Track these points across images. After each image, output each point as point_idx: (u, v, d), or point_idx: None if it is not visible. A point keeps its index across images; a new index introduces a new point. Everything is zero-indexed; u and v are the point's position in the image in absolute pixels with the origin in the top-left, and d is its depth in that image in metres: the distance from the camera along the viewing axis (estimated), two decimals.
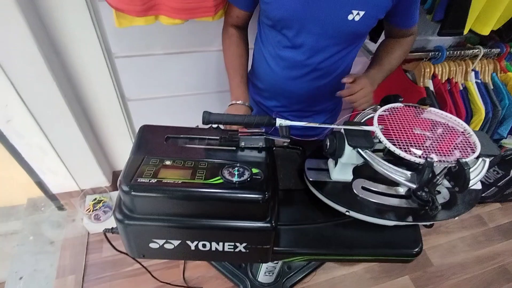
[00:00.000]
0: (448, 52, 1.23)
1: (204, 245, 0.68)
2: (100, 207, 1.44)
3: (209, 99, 1.39)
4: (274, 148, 0.74)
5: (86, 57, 1.09)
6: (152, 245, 0.67)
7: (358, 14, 0.75)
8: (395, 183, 0.76)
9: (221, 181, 0.61)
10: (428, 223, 0.76)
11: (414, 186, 0.61)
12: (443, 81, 1.29)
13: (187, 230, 0.64)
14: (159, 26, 0.93)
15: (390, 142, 0.64)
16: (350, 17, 0.75)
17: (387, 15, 0.82)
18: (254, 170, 0.64)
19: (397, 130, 0.68)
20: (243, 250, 0.70)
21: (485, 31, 1.12)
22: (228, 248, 0.69)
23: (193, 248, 0.68)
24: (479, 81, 1.31)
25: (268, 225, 0.64)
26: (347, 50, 0.85)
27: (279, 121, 0.66)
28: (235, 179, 0.61)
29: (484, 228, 1.89)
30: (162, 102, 1.28)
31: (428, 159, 0.58)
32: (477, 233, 1.86)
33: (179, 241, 0.66)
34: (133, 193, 0.57)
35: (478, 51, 1.26)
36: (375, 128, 0.67)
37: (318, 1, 0.74)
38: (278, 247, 0.74)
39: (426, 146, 0.65)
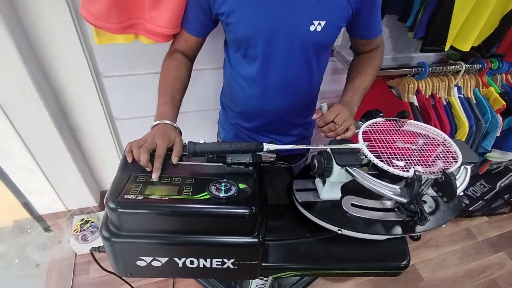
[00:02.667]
0: (430, 68, 1.29)
1: (192, 262, 0.68)
2: (88, 227, 1.42)
3: (196, 118, 1.42)
4: (261, 164, 0.75)
5: (74, 77, 1.12)
6: (139, 263, 0.67)
7: (319, 24, 0.77)
8: (381, 196, 0.79)
9: (208, 196, 0.62)
10: (416, 234, 0.78)
11: (404, 200, 0.62)
12: (427, 97, 1.34)
13: (175, 247, 0.65)
14: (144, 45, 0.96)
15: (376, 158, 0.66)
16: (312, 28, 0.77)
17: (350, 27, 0.86)
18: (241, 186, 0.66)
19: (381, 145, 0.70)
20: (231, 266, 0.70)
21: (466, 47, 1.18)
22: (216, 265, 0.69)
23: (180, 265, 0.68)
24: (462, 96, 1.36)
25: (256, 240, 0.65)
26: (316, 63, 0.87)
27: (266, 146, 0.68)
28: (221, 194, 0.63)
29: (473, 242, 1.91)
30: (149, 121, 1.29)
31: (417, 173, 0.60)
32: (466, 247, 1.88)
33: (167, 258, 0.67)
34: (119, 210, 0.58)
35: (460, 66, 1.32)
36: (361, 145, 0.69)
37: (279, 15, 0.75)
38: (266, 263, 0.75)
39: (411, 159, 0.68)
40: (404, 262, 0.79)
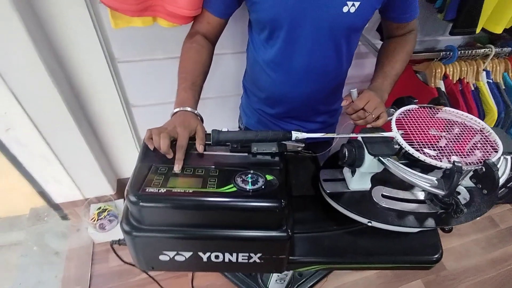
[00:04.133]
0: (459, 52, 1.20)
1: (217, 256, 0.65)
2: (105, 216, 1.41)
3: (216, 104, 1.37)
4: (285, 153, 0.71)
5: (88, 63, 1.07)
6: (162, 257, 0.64)
7: (353, 5, 0.70)
8: (412, 186, 0.74)
9: (234, 189, 0.58)
10: (449, 227, 0.73)
11: (442, 192, 0.57)
12: (455, 82, 1.26)
13: (199, 241, 0.62)
14: (162, 29, 0.91)
15: (412, 147, 0.60)
16: (345, 9, 0.71)
17: (385, 9, 0.79)
18: (268, 177, 0.62)
19: (415, 133, 0.65)
20: (257, 260, 0.66)
21: (498, 30, 1.10)
22: (242, 259, 0.66)
23: (205, 259, 0.65)
24: (490, 81, 1.28)
25: (284, 234, 0.61)
26: (344, 48, 0.81)
27: (295, 134, 0.63)
28: (248, 187, 0.58)
29: (496, 230, 1.86)
30: (168, 108, 1.24)
31: (456, 164, 0.55)
32: (490, 235, 1.83)
33: (191, 253, 0.64)
34: (141, 203, 0.54)
35: (489, 50, 1.23)
36: (395, 133, 0.64)
37: None
38: (293, 256, 0.71)
39: (447, 149, 0.62)
40: (436, 256, 0.75)
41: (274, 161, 0.67)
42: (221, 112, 1.40)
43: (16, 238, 1.73)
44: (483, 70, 1.27)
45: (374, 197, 0.72)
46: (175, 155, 0.62)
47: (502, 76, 1.31)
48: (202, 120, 0.72)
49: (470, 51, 1.22)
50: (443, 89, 1.24)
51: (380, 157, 0.63)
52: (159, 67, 1.15)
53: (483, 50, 1.24)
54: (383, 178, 0.73)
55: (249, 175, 0.61)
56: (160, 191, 0.55)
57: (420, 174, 0.60)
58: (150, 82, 1.20)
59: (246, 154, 0.67)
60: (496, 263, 1.69)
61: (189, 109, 0.70)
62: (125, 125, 1.29)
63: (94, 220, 1.40)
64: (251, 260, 0.66)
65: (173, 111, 0.70)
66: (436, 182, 0.59)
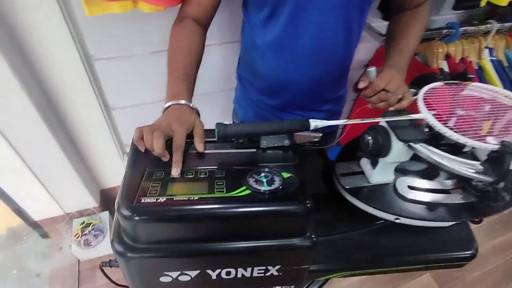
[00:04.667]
0: (461, 29, 1.15)
1: (228, 273, 0.55)
2: (90, 231, 1.28)
3: (203, 102, 1.26)
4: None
5: (60, 61, 0.95)
6: (163, 279, 0.54)
7: None
8: (436, 174, 0.67)
9: (247, 192, 0.48)
10: (479, 218, 0.66)
11: (490, 179, 0.50)
12: (457, 61, 1.20)
13: (209, 258, 0.52)
14: (143, 17, 0.80)
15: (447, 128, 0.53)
16: None
17: None
18: (285, 174, 0.52)
19: (444, 113, 0.58)
20: (275, 273, 0.57)
21: (504, 2, 1.05)
22: (258, 273, 0.57)
23: (214, 277, 0.56)
24: (493, 58, 1.23)
25: (308, 241, 0.52)
26: (357, 22, 0.73)
27: (314, 123, 0.54)
28: (264, 187, 0.49)
29: (498, 215, 1.83)
30: (152, 109, 1.15)
31: (507, 144, 0.47)
32: (492, 221, 1.80)
33: (198, 271, 0.54)
34: (136, 218, 0.44)
35: (491, 26, 1.19)
36: (426, 115, 0.56)
37: None
38: (313, 265, 0.62)
39: (478, 128, 0.55)
40: (471, 251, 0.68)
41: (287, 155, 0.58)
42: (210, 110, 1.30)
43: None
44: (485, 47, 1.22)
45: (400, 189, 0.64)
46: (171, 157, 0.52)
47: (504, 53, 1.27)
48: (199, 115, 0.62)
49: (472, 28, 1.17)
50: (446, 69, 1.18)
51: (411, 143, 0.55)
52: (140, 64, 1.04)
53: (484, 26, 1.19)
54: (400, 168, 0.66)
55: (263, 174, 0.52)
56: (158, 200, 0.45)
57: (463, 160, 0.52)
58: (130, 81, 1.09)
59: (254, 150, 0.58)
60: (503, 249, 1.66)
61: (183, 102, 0.60)
62: (105, 130, 1.17)
63: (78, 237, 1.27)
64: (268, 274, 0.57)
65: (165, 106, 0.60)
66: (481, 167, 0.51)
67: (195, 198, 0.46)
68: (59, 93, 1.04)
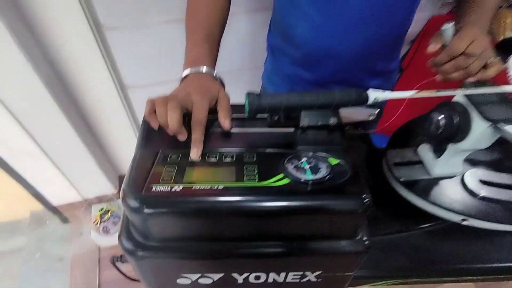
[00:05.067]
0: None
1: (257, 277, 0.46)
2: (108, 217, 1.24)
3: (225, 80, 1.16)
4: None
5: (68, 31, 0.87)
6: (181, 281, 0.46)
7: None
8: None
9: (286, 181, 0.38)
10: None
11: None
12: None
13: (237, 260, 0.42)
14: None
15: None
16: None
17: None
18: (332, 161, 0.42)
19: None
20: (313, 279, 0.47)
21: None
22: (293, 279, 0.47)
23: (240, 281, 0.47)
24: None
25: (359, 245, 0.41)
26: None
27: (374, 94, 0.42)
28: (307, 176, 0.38)
29: None
30: (170, 87, 1.06)
31: None
32: None
33: (222, 274, 0.45)
34: (146, 210, 0.35)
35: None
36: None
37: None
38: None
39: None
40: None
41: (334, 137, 0.47)
42: (233, 90, 1.19)
43: (18, 244, 1.61)
44: None
45: (469, 184, 0.52)
46: (189, 136, 0.43)
47: None
48: (223, 86, 0.52)
49: None
50: None
51: (499, 125, 0.42)
52: (156, 35, 0.94)
53: None
54: (469, 158, 0.54)
55: (305, 159, 0.41)
56: (174, 189, 0.36)
57: None
58: (147, 55, 1.00)
59: (292, 129, 0.47)
60: None
61: (205, 69, 0.50)
62: (121, 112, 1.10)
63: (97, 223, 1.23)
64: (304, 280, 0.47)
65: (183, 74, 0.51)
66: None
67: (220, 188, 0.36)
68: (68, 68, 0.96)
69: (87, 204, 1.28)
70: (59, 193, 1.25)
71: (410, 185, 0.54)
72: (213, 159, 0.42)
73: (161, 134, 0.45)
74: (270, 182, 0.38)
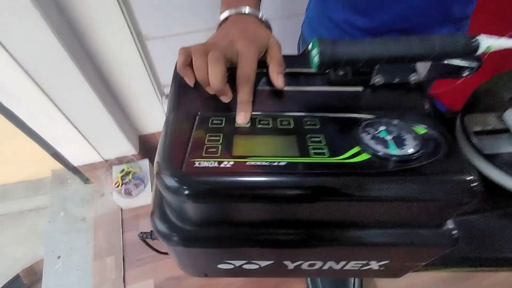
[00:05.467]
0: None
1: (312, 264, 0.39)
2: (130, 179, 1.21)
3: None
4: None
5: None
6: (223, 266, 0.40)
7: None
8: None
9: (365, 156, 0.30)
10: None
11: None
12: None
13: (295, 249, 0.35)
14: None
15: None
16: None
17: None
18: (419, 130, 0.32)
19: None
20: (375, 268, 0.41)
21: None
22: (352, 267, 0.40)
23: (291, 267, 0.40)
24: None
25: (446, 237, 0.33)
26: None
27: (487, 42, 0.30)
28: (392, 150, 0.30)
29: None
30: (192, 39, 0.95)
31: None
32: None
33: (272, 262, 0.38)
34: (189, 192, 0.27)
35: None
36: None
37: None
38: None
39: None
40: None
41: (416, 99, 0.37)
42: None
43: (42, 203, 1.64)
44: None
45: None
46: (234, 96, 0.34)
47: None
48: (270, 28, 0.42)
49: None
50: None
51: None
52: None
53: None
54: None
55: (383, 128, 0.32)
56: (223, 165, 0.28)
57: None
58: (167, 3, 0.87)
59: (361, 88, 0.37)
60: None
61: (248, 10, 0.40)
62: (139, 66, 1.00)
63: (118, 185, 1.20)
64: (365, 268, 0.41)
65: (220, 18, 0.41)
66: None
67: (282, 164, 0.28)
68: (82, 18, 0.86)
69: (107, 165, 1.25)
70: (79, 154, 1.21)
71: (493, 158, 0.45)
72: (265, 125, 0.33)
73: (198, 91, 0.36)
74: (345, 157, 0.29)
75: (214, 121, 0.33)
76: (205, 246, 0.33)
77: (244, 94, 0.33)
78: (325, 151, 0.30)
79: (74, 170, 1.32)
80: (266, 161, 0.28)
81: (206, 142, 0.31)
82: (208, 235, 0.32)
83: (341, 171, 0.28)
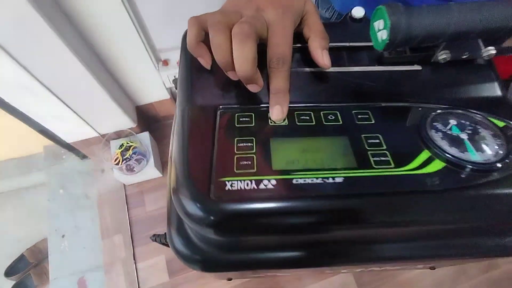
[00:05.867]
0: None
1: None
2: (130, 155, 1.15)
3: None
4: None
5: None
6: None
7: None
8: None
9: (439, 165, 0.24)
10: None
11: None
12: None
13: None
14: None
15: None
16: None
17: None
18: (497, 122, 0.26)
19: None
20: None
21: None
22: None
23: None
24: None
25: None
26: None
27: None
28: (473, 156, 0.24)
29: None
30: None
31: None
32: None
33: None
34: (219, 226, 0.22)
35: None
36: None
37: None
38: None
39: None
40: None
41: (485, 80, 0.30)
42: None
43: (38, 179, 1.60)
44: None
45: None
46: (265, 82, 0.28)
47: None
48: None
49: None
50: None
51: None
52: None
53: None
54: None
55: (454, 122, 0.26)
56: (262, 185, 0.22)
57: None
58: None
59: (420, 67, 0.30)
60: None
61: None
62: (127, 25, 0.88)
63: (119, 162, 1.14)
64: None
65: None
66: None
67: (339, 181, 0.22)
68: None
69: (105, 140, 1.18)
70: (71, 130, 1.14)
71: None
72: (308, 122, 0.27)
73: (215, 75, 0.29)
74: (414, 167, 0.23)
75: (241, 119, 0.27)
76: (233, 270, 0.28)
77: (280, 81, 0.26)
78: (389, 158, 0.24)
79: (68, 147, 1.25)
80: (318, 177, 0.22)
81: (236, 151, 0.24)
82: (240, 260, 0.27)
83: (414, 189, 0.22)
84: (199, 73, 0.30)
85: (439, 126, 0.26)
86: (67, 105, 0.96)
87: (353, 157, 0.24)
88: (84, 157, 1.39)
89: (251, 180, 0.22)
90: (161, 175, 1.29)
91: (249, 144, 0.25)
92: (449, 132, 0.25)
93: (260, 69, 0.27)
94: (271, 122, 0.27)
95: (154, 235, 0.46)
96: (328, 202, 0.22)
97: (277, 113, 0.26)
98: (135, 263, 1.18)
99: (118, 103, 1.08)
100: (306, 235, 0.24)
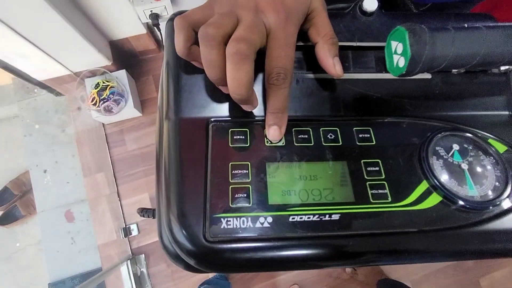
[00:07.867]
0: None
1: None
2: (108, 95, 1.08)
3: None
4: None
5: None
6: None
7: None
8: None
9: (436, 200, 0.24)
10: None
11: None
12: None
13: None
14: None
15: None
16: None
17: None
18: (498, 147, 0.26)
19: None
20: None
21: None
22: None
23: None
24: None
25: None
26: None
27: None
28: (470, 190, 0.24)
29: None
30: None
31: None
32: None
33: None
34: (214, 268, 0.22)
35: None
36: None
37: None
38: None
39: None
40: None
41: (498, 94, 0.28)
42: None
43: (11, 112, 1.52)
44: None
45: None
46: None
47: None
48: None
49: None
50: None
51: None
52: None
53: None
54: None
55: (456, 147, 0.26)
56: (258, 224, 0.22)
57: None
58: None
59: (429, 76, 0.28)
60: None
61: None
62: None
63: (96, 103, 1.08)
64: None
65: None
66: None
67: (335, 219, 0.22)
68: None
69: (80, 78, 1.09)
70: (38, 67, 1.03)
71: None
72: (306, 143, 0.25)
73: (205, 80, 0.26)
74: (411, 201, 0.23)
75: (235, 136, 0.25)
76: (221, 272, 0.29)
77: (279, 99, 0.24)
78: (386, 191, 0.23)
79: (40, 84, 1.16)
80: (315, 214, 0.22)
81: (230, 180, 0.23)
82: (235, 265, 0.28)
83: (407, 229, 0.22)
84: (187, 76, 0.26)
85: (441, 151, 0.25)
86: (30, 42, 0.86)
87: (351, 189, 0.23)
88: (58, 94, 1.31)
89: (247, 217, 0.22)
90: (141, 114, 1.25)
91: (245, 170, 0.23)
92: (450, 159, 0.24)
93: (255, 72, 0.23)
94: (267, 142, 0.25)
95: (141, 209, 0.47)
96: (323, 242, 0.22)
97: (274, 134, 0.24)
98: (119, 199, 1.22)
99: (88, 39, 0.97)
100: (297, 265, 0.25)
